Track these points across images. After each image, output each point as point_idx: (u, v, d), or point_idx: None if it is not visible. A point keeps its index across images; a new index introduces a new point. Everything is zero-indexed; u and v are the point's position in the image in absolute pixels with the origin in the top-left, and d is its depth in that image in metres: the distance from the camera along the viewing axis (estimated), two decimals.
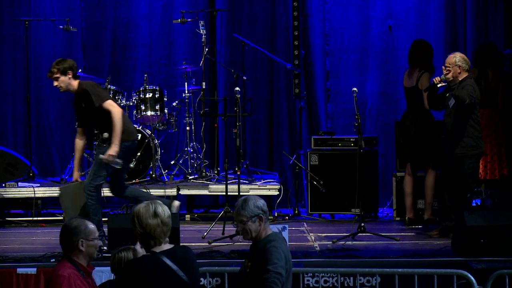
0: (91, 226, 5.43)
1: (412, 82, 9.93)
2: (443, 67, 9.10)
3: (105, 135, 8.60)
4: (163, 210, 5.19)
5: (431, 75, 9.84)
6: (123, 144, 8.60)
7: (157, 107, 11.11)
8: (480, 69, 10.13)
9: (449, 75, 9.02)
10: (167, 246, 5.18)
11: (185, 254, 5.22)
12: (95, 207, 8.64)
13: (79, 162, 9.05)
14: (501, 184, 10.26)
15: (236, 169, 9.98)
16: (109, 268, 7.40)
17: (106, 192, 10.44)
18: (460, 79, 9.05)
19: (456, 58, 9.06)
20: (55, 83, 8.67)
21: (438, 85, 9.17)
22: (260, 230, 5.65)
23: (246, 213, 5.63)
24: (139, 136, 9.04)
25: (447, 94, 9.18)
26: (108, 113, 8.52)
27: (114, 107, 8.52)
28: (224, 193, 9.92)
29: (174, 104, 11.40)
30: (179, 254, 5.18)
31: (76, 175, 9.05)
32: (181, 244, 7.47)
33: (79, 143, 8.91)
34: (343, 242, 9.04)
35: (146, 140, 10.79)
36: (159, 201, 5.27)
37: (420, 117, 9.93)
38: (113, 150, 8.49)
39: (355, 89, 9.55)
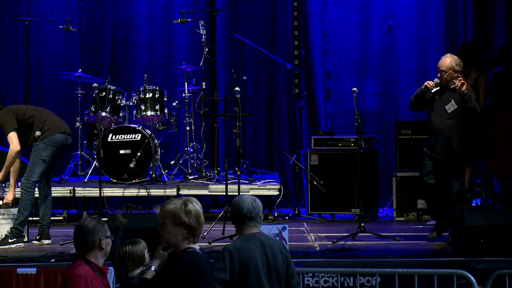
0: (105, 224, 5.52)
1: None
2: (441, 72, 8.99)
3: (37, 133, 8.94)
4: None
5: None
6: (52, 138, 8.91)
7: (157, 107, 11.11)
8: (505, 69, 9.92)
9: (448, 81, 8.97)
10: (196, 245, 5.23)
11: (205, 254, 5.30)
12: (28, 203, 9.00)
13: None
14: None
15: (236, 169, 9.98)
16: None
17: (107, 192, 10.46)
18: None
19: (454, 62, 8.93)
20: None
21: (433, 90, 9.03)
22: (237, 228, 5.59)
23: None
24: (69, 137, 9.18)
25: (436, 96, 9.00)
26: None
27: (12, 142, 8.85)
28: (224, 193, 9.92)
29: (174, 104, 11.39)
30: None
31: None
32: None
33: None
34: (343, 242, 9.03)
35: (146, 140, 10.78)
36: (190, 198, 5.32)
37: None
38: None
39: (355, 89, 9.54)
